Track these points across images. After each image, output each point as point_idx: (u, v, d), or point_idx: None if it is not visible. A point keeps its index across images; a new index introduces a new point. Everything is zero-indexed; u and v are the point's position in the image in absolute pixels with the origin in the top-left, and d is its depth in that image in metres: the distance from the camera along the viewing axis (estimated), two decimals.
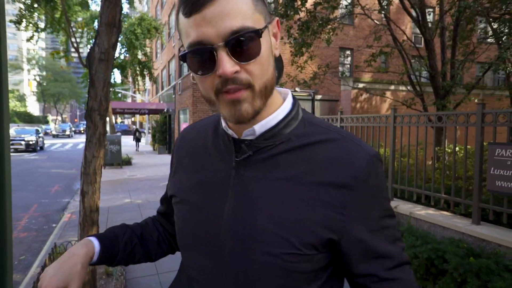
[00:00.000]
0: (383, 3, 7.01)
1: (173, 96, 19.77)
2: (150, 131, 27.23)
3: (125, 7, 19.55)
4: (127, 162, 14.45)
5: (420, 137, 4.28)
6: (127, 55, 14.95)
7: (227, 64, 0.60)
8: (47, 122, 61.77)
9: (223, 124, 0.75)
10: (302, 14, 6.70)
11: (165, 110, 21.65)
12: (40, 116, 67.27)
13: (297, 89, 11.60)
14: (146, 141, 28.55)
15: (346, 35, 18.11)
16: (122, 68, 14.94)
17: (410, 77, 7.06)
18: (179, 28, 0.68)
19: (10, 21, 11.43)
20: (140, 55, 15.05)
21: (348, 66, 17.32)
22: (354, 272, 0.72)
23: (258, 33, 0.62)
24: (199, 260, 0.74)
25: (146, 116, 28.47)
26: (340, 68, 11.38)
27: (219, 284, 0.70)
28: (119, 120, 61.12)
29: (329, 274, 0.73)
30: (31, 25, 11.63)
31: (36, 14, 12.18)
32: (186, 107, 16.84)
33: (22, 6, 11.22)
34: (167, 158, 18.62)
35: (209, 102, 0.69)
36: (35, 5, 11.17)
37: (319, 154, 0.70)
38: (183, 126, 17.74)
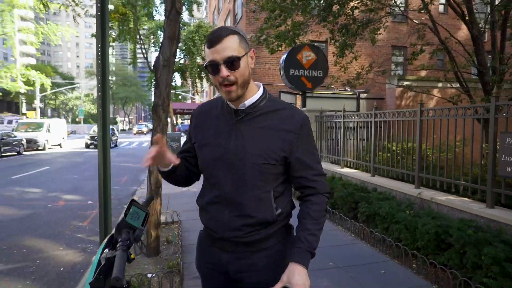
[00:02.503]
0: (427, 1, 7.13)
1: None
2: None
3: (185, 15, 21.12)
4: None
5: (451, 131, 4.51)
6: (186, 60, 16.29)
7: (224, 72, 1.29)
8: (116, 123, 67.32)
9: (226, 101, 1.43)
10: (341, 18, 7.10)
11: None
12: (111, 117, 73.50)
13: (347, 88, 11.89)
14: None
15: (398, 33, 17.86)
16: (182, 72, 16.29)
17: (457, 73, 7.12)
18: (205, 51, 1.36)
19: (92, 35, 13.22)
20: (198, 59, 16.30)
21: (401, 64, 17.07)
22: (295, 175, 1.40)
23: (239, 58, 1.30)
24: (217, 172, 1.41)
25: None
26: (394, 67, 11.43)
27: (227, 181, 1.38)
28: (179, 120, 64.65)
29: (285, 178, 1.42)
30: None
31: (110, 25, 13.84)
32: None
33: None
34: None
35: (217, 88, 1.38)
36: (116, 17, 12.66)
37: (278, 115, 1.38)
38: None
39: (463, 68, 7.34)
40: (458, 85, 7.32)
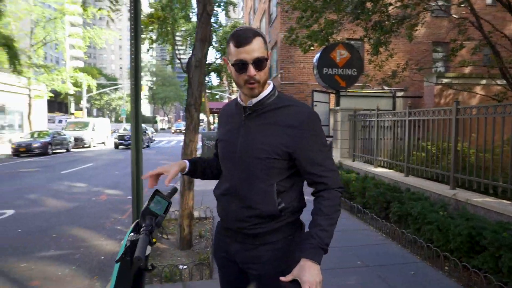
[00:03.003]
0: None
1: None
2: None
3: (222, 16, 21.50)
4: None
5: (490, 130, 4.33)
6: (222, 60, 16.64)
7: (252, 71, 1.38)
8: (155, 122, 69.83)
9: (238, 99, 1.53)
10: (375, 16, 6.96)
11: None
12: (150, 116, 76.34)
13: (384, 87, 11.61)
14: None
15: (440, 28, 17.09)
16: (218, 72, 16.63)
17: (502, 69, 6.76)
18: (229, 49, 1.45)
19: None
20: None
21: (442, 61, 16.33)
22: (305, 172, 1.44)
23: (266, 59, 1.39)
24: (227, 165, 1.52)
25: None
26: (434, 64, 10.97)
27: (235, 174, 1.48)
28: (216, 120, 65.69)
29: (292, 173, 1.46)
30: (147, 40, 13.84)
31: (150, 28, 14.38)
32: None
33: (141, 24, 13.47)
34: None
35: (238, 85, 1.47)
36: (153, 22, 13.20)
37: (284, 111, 1.44)
38: None
39: (509, 64, 6.96)
40: (504, 81, 6.95)
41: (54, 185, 9.55)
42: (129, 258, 1.38)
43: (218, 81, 20.98)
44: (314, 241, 1.33)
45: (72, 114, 44.30)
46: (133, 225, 1.46)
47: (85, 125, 25.73)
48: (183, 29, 15.64)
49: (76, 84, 30.11)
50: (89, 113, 56.48)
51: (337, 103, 9.15)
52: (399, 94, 10.58)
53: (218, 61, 17.00)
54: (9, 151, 18.43)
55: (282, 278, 1.28)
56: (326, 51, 8.95)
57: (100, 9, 10.26)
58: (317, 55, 9.00)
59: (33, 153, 17.78)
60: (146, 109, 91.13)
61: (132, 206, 2.62)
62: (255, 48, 1.34)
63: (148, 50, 14.13)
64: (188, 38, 15.16)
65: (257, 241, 1.45)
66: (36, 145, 17.88)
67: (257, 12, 23.58)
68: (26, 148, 17.62)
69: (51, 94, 26.91)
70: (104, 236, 5.21)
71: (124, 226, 5.74)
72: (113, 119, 68.81)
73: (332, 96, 9.69)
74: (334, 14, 7.74)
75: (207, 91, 20.96)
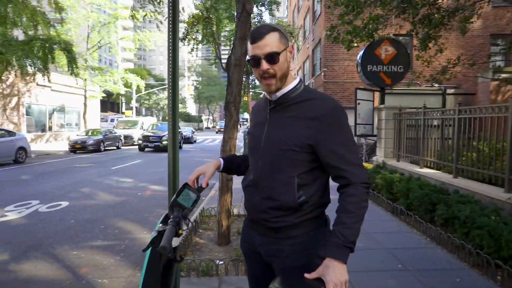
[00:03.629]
0: None
1: None
2: None
3: (266, 15, 21.61)
4: None
5: None
6: None
7: (264, 65, 1.39)
8: (201, 121, 71.73)
9: (266, 94, 1.54)
10: (423, 9, 6.61)
11: None
12: (196, 115, 78.58)
13: (435, 85, 11.01)
14: None
15: (499, 19, 15.85)
16: None
17: None
18: (248, 47, 1.47)
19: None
20: None
21: (502, 55, 15.13)
22: (328, 165, 1.41)
23: (278, 53, 1.39)
24: (253, 158, 1.55)
25: None
26: (488, 58, 10.19)
27: (258, 166, 1.49)
28: None
29: (314, 167, 1.44)
30: (192, 40, 14.23)
31: (195, 29, 14.77)
32: None
33: (185, 25, 13.86)
34: None
35: (259, 81, 1.49)
36: (196, 23, 13.59)
37: (307, 104, 1.43)
38: None
39: None
40: None
41: (105, 179, 10.15)
42: (155, 246, 1.43)
43: None
44: (338, 240, 1.30)
45: (123, 113, 46.80)
46: (162, 217, 1.51)
47: (134, 123, 27.07)
48: (227, 29, 15.91)
49: (127, 85, 31.79)
50: (139, 112, 59.36)
51: (382, 101, 8.82)
52: (450, 91, 9.97)
53: None
54: (67, 147, 19.90)
55: (306, 275, 1.26)
56: (370, 48, 8.66)
57: (146, 14, 10.74)
58: (361, 52, 8.73)
59: (87, 150, 19.03)
60: (192, 108, 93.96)
61: (168, 201, 2.71)
62: (268, 43, 1.37)
63: (192, 51, 14.53)
64: (232, 38, 15.39)
65: (279, 235, 1.46)
66: (90, 142, 19.12)
67: (301, 10, 23.37)
68: (81, 145, 18.90)
69: (104, 95, 28.66)
70: (147, 229, 5.45)
71: None
72: (160, 118, 71.68)
73: (377, 94, 9.36)
74: (378, 9, 7.46)
75: (251, 90, 21.15)
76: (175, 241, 1.47)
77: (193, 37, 14.08)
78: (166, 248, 1.22)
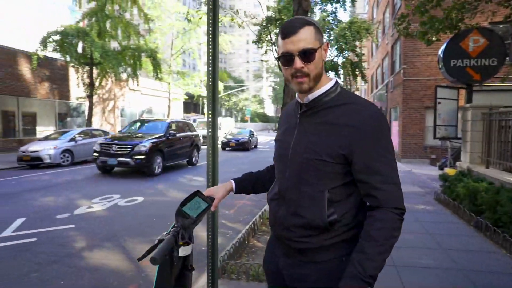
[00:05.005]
0: None
1: (385, 94, 19.63)
2: None
3: (340, 13, 20.90)
4: None
5: None
6: (340, 57, 16.13)
7: (298, 63, 1.24)
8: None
9: (297, 97, 1.39)
10: None
11: None
12: (273, 116, 79.55)
13: None
14: None
15: None
16: (335, 70, 16.19)
17: None
18: (277, 43, 1.33)
19: (253, 41, 14.66)
20: (351, 56, 15.94)
21: None
22: (358, 179, 1.23)
23: (314, 50, 1.23)
24: (279, 167, 1.40)
25: None
26: None
27: (284, 177, 1.34)
28: None
29: (351, 179, 1.25)
30: (265, 42, 14.40)
31: (270, 30, 14.88)
32: (397, 105, 16.48)
33: (258, 27, 14.07)
34: None
35: (287, 80, 1.35)
36: (269, 25, 13.71)
37: (342, 109, 1.25)
38: (394, 124, 17.40)
39: None
40: None
41: (178, 177, 10.77)
42: (168, 256, 1.40)
43: (338, 79, 20.40)
44: (354, 270, 1.12)
45: (204, 114, 49.43)
46: (174, 223, 1.48)
47: None
48: None
49: None
50: (219, 113, 62.07)
51: (469, 100, 7.83)
52: None
53: (336, 59, 16.57)
54: None
55: None
56: (454, 40, 7.74)
57: (221, 20, 11.14)
58: (443, 46, 7.85)
59: None
60: (269, 109, 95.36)
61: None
62: (302, 38, 1.20)
63: (266, 52, 14.69)
64: None
65: (305, 258, 1.30)
66: None
67: (380, 4, 22.08)
68: None
69: (186, 97, 30.58)
70: None
71: (228, 221, 6.07)
72: (239, 118, 74.11)
73: (462, 92, 8.34)
74: None
75: None
76: (185, 251, 1.43)
77: (267, 39, 14.22)
78: (156, 259, 1.17)
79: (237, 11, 10.16)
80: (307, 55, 1.21)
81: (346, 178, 1.24)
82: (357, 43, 15.41)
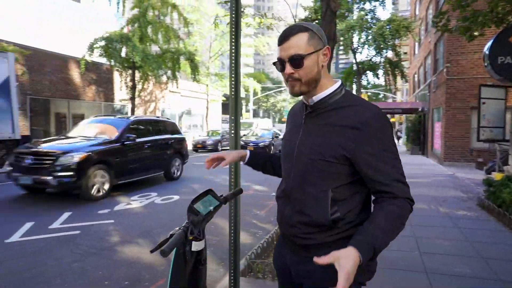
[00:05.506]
0: None
1: (428, 94, 18.80)
2: (399, 131, 26.81)
3: (380, 12, 20.29)
4: None
5: None
6: (378, 57, 15.68)
7: (288, 69, 1.30)
8: None
9: (302, 98, 1.43)
10: None
11: (420, 109, 20.85)
12: None
13: None
14: (402, 141, 28.66)
15: None
16: (373, 70, 15.78)
17: None
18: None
19: None
20: (391, 55, 15.43)
21: None
22: (366, 179, 1.26)
23: (302, 56, 1.27)
24: (285, 166, 1.46)
25: (404, 116, 28.40)
26: None
27: (289, 176, 1.40)
28: None
29: (353, 181, 1.29)
30: None
31: None
32: (440, 105, 15.72)
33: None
34: (417, 159, 18.02)
35: (285, 83, 1.40)
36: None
37: (346, 111, 1.29)
38: (437, 125, 16.62)
39: None
40: None
41: (215, 177, 11.01)
42: (181, 251, 1.48)
43: (376, 79, 19.87)
44: (366, 236, 1.13)
45: (242, 115, 49.98)
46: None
47: (249, 125, 28.69)
48: (337, 28, 15.52)
49: (246, 89, 33.95)
50: (256, 114, 62.54)
51: None
52: None
53: (374, 58, 16.13)
54: (191, 147, 22.35)
55: (315, 259, 1.08)
56: (502, 35, 7.28)
57: (261, 21, 11.27)
58: (489, 43, 7.40)
59: (207, 149, 20.96)
60: None
61: (228, 205, 2.79)
62: (292, 45, 1.27)
63: None
64: (341, 38, 14.94)
65: (310, 254, 1.33)
66: (209, 142, 21.06)
67: (423, 1, 21.18)
68: (202, 145, 20.97)
69: (224, 98, 31.09)
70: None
71: (260, 221, 6.13)
72: (276, 119, 74.12)
73: (511, 91, 7.82)
74: None
75: (362, 90, 20.14)
76: (198, 246, 1.50)
77: None
78: (165, 252, 1.25)
79: (265, 14, 10.24)
80: (296, 61, 1.26)
81: (349, 178, 1.28)
82: (396, 41, 14.89)
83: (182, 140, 10.91)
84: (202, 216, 1.47)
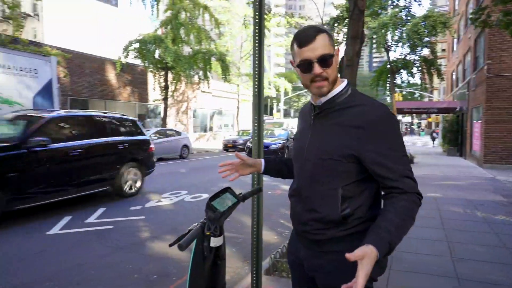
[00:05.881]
0: None
1: (467, 93, 17.93)
2: (434, 131, 25.74)
3: (415, 8, 19.61)
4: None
5: None
6: (413, 54, 15.17)
7: (317, 69, 1.31)
8: None
9: (310, 98, 1.46)
10: None
11: (458, 109, 19.92)
12: None
13: None
14: (438, 142, 27.60)
15: None
16: (407, 68, 15.29)
17: None
18: (293, 51, 1.41)
19: None
20: (427, 53, 14.88)
21: None
22: (376, 175, 1.28)
23: (331, 55, 1.31)
24: (296, 165, 1.50)
25: (440, 116, 27.31)
26: None
27: (300, 175, 1.44)
28: (415, 120, 60.20)
29: (363, 178, 1.31)
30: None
31: (335, 30, 14.59)
32: (479, 104, 14.96)
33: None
34: (453, 161, 17.26)
35: (305, 86, 1.41)
36: (335, 25, 13.44)
37: (353, 111, 1.31)
38: (476, 126, 15.83)
39: None
40: None
41: (245, 177, 11.07)
42: (200, 246, 1.52)
43: (412, 78, 19.18)
44: (383, 233, 1.14)
45: (273, 115, 49.97)
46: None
47: (280, 125, 28.57)
48: (370, 26, 15.17)
49: (277, 88, 33.96)
50: (288, 114, 62.29)
51: None
52: None
53: (409, 56, 15.60)
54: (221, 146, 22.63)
55: (347, 255, 1.06)
56: None
57: (287, 21, 11.24)
58: None
59: (237, 149, 21.14)
60: None
61: (251, 203, 2.80)
62: (319, 46, 1.29)
63: None
64: (373, 36, 14.56)
65: (322, 248, 1.38)
66: (239, 142, 21.22)
67: None
68: (232, 144, 21.18)
69: None
70: (266, 226, 5.70)
71: (287, 220, 6.12)
72: None
73: None
74: None
75: (397, 89, 19.56)
76: (216, 241, 1.54)
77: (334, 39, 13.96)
78: (181, 246, 1.29)
79: (292, 14, 10.21)
80: (325, 60, 1.29)
81: (359, 175, 1.31)
82: (432, 38, 14.32)
83: (143, 143, 8.15)
84: (219, 213, 1.51)
